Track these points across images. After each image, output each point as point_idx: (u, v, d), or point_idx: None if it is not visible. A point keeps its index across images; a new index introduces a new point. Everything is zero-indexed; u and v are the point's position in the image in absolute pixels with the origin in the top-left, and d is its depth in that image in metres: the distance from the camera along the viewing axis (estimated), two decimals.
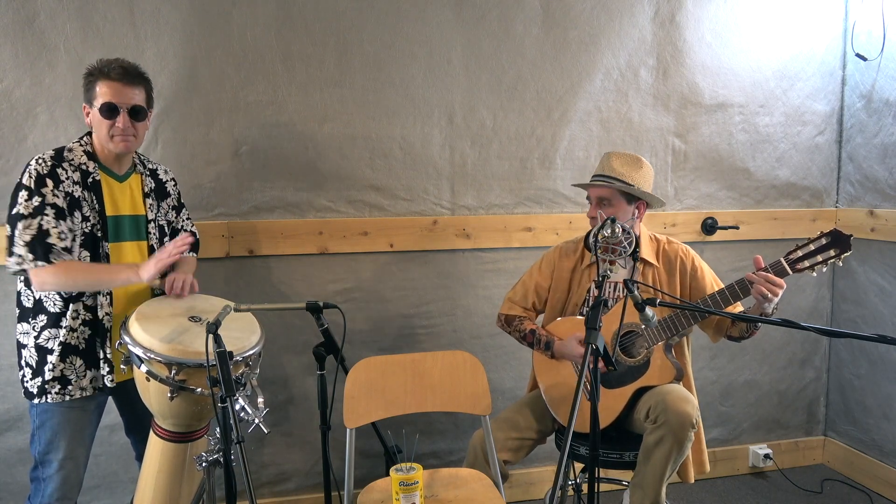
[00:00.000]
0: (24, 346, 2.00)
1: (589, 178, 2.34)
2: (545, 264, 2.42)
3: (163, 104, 2.52)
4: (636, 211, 2.28)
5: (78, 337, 1.99)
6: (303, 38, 2.63)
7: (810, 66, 3.13)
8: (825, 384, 3.39)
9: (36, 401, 1.99)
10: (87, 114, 2.00)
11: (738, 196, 3.14)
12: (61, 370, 1.97)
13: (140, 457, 2.14)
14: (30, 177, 1.90)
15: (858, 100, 3.12)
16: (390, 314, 2.85)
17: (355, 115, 2.71)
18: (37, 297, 1.97)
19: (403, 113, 2.75)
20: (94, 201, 1.99)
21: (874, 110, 3.05)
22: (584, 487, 1.86)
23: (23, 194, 1.90)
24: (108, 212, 2.03)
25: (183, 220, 2.30)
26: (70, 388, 1.99)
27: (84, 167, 1.98)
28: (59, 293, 1.96)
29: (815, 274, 2.05)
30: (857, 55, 3.09)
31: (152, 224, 2.14)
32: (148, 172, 2.17)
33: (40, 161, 1.93)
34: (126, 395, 2.14)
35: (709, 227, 3.08)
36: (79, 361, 1.99)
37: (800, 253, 2.04)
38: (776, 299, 2.02)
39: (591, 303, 2.31)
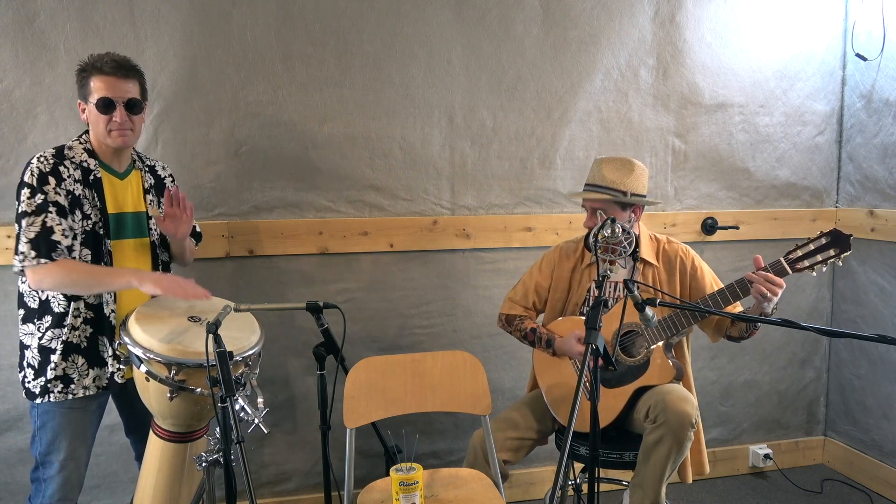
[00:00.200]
0: (28, 347, 1.99)
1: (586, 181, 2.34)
2: (545, 264, 2.42)
3: (163, 104, 2.52)
4: (632, 215, 2.28)
5: (80, 335, 1.99)
6: (303, 38, 2.63)
7: (810, 66, 3.13)
8: (825, 384, 3.39)
9: (38, 401, 1.98)
10: (83, 110, 1.99)
11: (738, 196, 3.14)
12: (63, 369, 1.97)
13: (140, 457, 2.14)
14: (32, 174, 1.90)
15: (858, 100, 3.12)
16: (390, 314, 2.85)
17: (355, 115, 2.71)
18: (43, 298, 1.97)
19: (403, 113, 2.75)
20: (96, 199, 1.99)
21: (874, 110, 3.05)
22: (584, 487, 1.86)
23: (25, 192, 1.90)
24: (110, 209, 2.03)
25: None
26: (73, 386, 1.99)
27: (85, 165, 1.99)
28: (62, 293, 1.96)
29: (814, 274, 2.05)
30: (857, 55, 3.09)
31: (153, 220, 2.15)
32: (147, 169, 2.18)
33: (42, 159, 1.93)
34: (125, 395, 2.14)
35: (709, 227, 3.09)
36: (81, 360, 1.99)
37: (799, 253, 2.04)
38: (776, 299, 2.02)
39: (591, 302, 2.31)
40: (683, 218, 3.07)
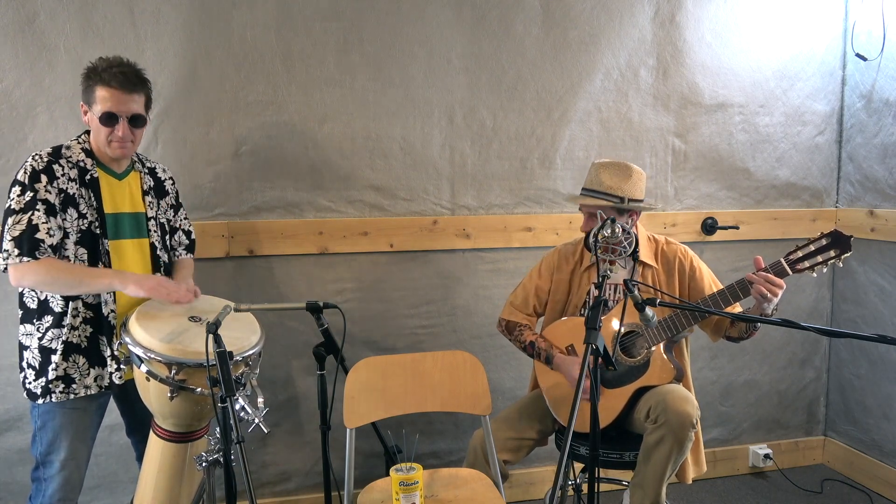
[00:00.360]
0: (27, 348, 1.99)
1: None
2: (544, 267, 2.42)
3: (163, 104, 2.52)
4: (630, 219, 2.27)
5: (80, 335, 1.99)
6: (303, 38, 2.63)
7: (810, 66, 3.13)
8: (825, 384, 3.39)
9: (39, 401, 1.98)
10: (85, 112, 1.99)
11: (738, 196, 3.14)
12: (64, 369, 1.97)
13: (141, 457, 2.14)
14: (25, 173, 1.90)
15: (858, 100, 3.12)
16: (390, 314, 2.85)
17: (355, 115, 2.71)
18: (42, 298, 1.97)
19: (403, 113, 2.75)
20: (92, 198, 1.99)
21: (874, 110, 3.05)
22: (584, 487, 1.86)
23: (15, 190, 1.90)
24: (107, 209, 2.02)
25: (181, 220, 2.29)
26: (74, 386, 1.99)
27: (82, 164, 1.98)
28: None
29: (814, 274, 2.05)
30: (857, 55, 3.09)
31: (153, 221, 2.14)
32: (147, 171, 2.17)
33: (37, 157, 1.92)
34: (126, 395, 2.14)
35: (709, 227, 3.09)
36: (82, 360, 1.99)
37: (800, 253, 2.04)
38: (776, 299, 2.02)
39: (591, 304, 2.31)
40: (683, 218, 3.07)
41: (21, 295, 2.00)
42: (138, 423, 2.21)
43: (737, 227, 3.11)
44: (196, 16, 2.53)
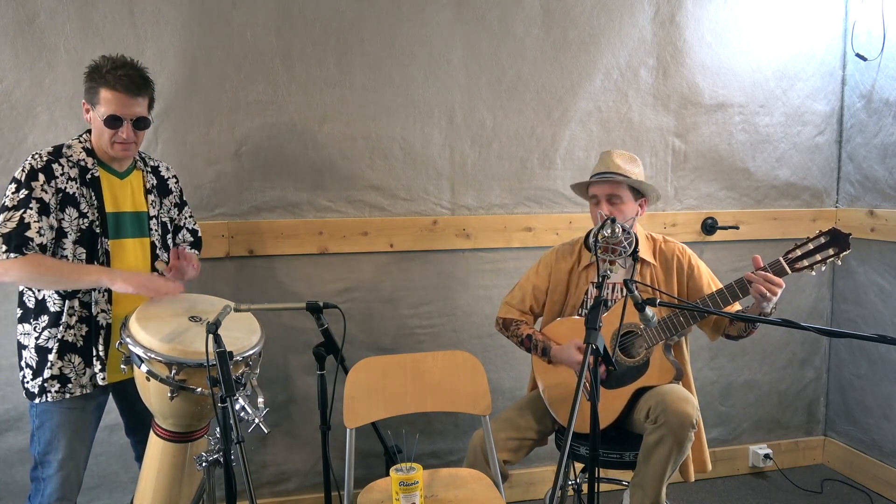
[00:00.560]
0: (25, 347, 1.99)
1: (588, 178, 2.34)
2: (542, 267, 2.42)
3: (163, 104, 2.52)
4: (639, 209, 2.28)
5: (75, 334, 1.99)
6: (303, 38, 2.63)
7: (810, 66, 3.13)
8: (825, 384, 3.39)
9: (36, 401, 1.98)
10: (87, 111, 1.99)
11: (738, 196, 3.14)
12: (59, 368, 1.97)
13: (140, 457, 2.14)
14: (23, 171, 1.90)
15: (858, 100, 3.12)
16: (390, 314, 2.85)
17: (355, 115, 2.71)
18: (39, 298, 1.97)
19: (403, 113, 2.75)
20: (93, 198, 1.99)
21: (874, 110, 3.05)
22: (584, 487, 1.86)
23: (11, 187, 1.90)
24: (108, 208, 2.02)
25: (185, 218, 2.30)
26: (70, 385, 1.99)
27: (83, 163, 1.98)
28: (56, 291, 1.96)
29: (814, 273, 2.05)
30: (857, 55, 3.09)
31: (154, 220, 2.14)
32: (149, 169, 2.17)
33: (36, 156, 1.93)
34: (126, 395, 2.14)
35: (709, 227, 3.09)
36: (77, 359, 1.99)
37: (799, 252, 2.04)
38: (775, 298, 2.03)
39: (589, 304, 2.31)
40: (683, 218, 3.07)
41: (21, 294, 2.01)
42: (138, 422, 2.21)
43: (737, 227, 3.11)
44: (196, 16, 2.53)
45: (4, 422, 2.51)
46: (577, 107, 2.90)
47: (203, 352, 1.67)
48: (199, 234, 2.34)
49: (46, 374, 1.96)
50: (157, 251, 2.15)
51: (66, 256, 1.95)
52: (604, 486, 2.30)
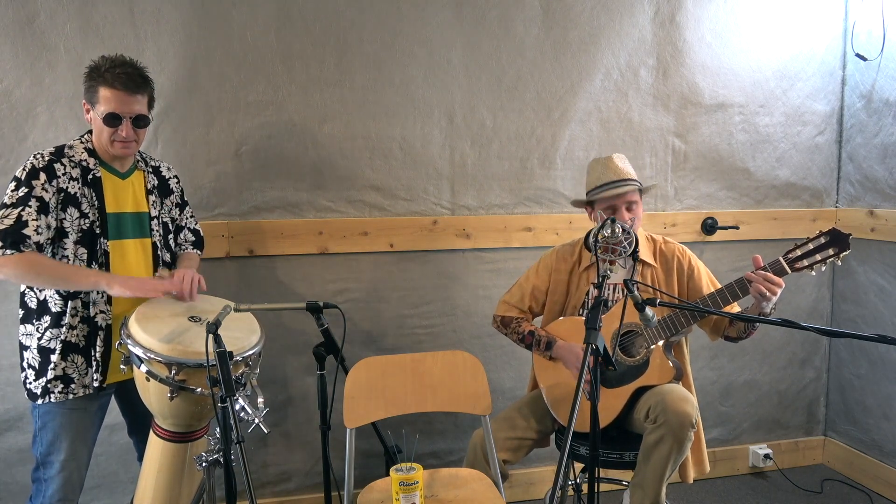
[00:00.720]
0: (27, 348, 1.99)
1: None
2: (542, 268, 2.42)
3: (163, 104, 2.52)
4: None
5: (78, 335, 1.99)
6: (303, 38, 2.63)
7: (810, 66, 3.13)
8: (825, 384, 3.39)
9: (39, 402, 1.98)
10: (87, 111, 1.99)
11: (738, 196, 3.14)
12: (63, 369, 1.97)
13: (142, 457, 2.14)
14: (24, 170, 1.91)
15: (858, 100, 3.12)
16: (390, 314, 2.85)
17: (355, 115, 2.71)
18: (41, 298, 1.97)
19: (403, 113, 2.75)
20: (94, 198, 1.99)
21: (874, 110, 3.05)
22: (584, 487, 1.86)
23: (11, 185, 1.90)
24: (109, 209, 2.02)
25: (187, 218, 2.30)
26: (73, 386, 1.99)
27: (85, 164, 1.98)
28: (57, 292, 1.96)
29: (813, 273, 2.05)
30: (857, 55, 3.09)
31: (155, 221, 2.14)
32: (151, 170, 2.17)
33: (38, 156, 1.93)
34: (127, 395, 2.14)
35: (709, 227, 3.09)
36: (80, 359, 1.99)
37: (798, 252, 2.04)
38: (775, 298, 2.03)
39: (589, 305, 2.31)
40: (683, 218, 3.07)
41: (22, 295, 2.00)
42: (139, 422, 2.21)
43: (737, 227, 3.11)
44: (196, 16, 2.53)
45: (4, 422, 2.51)
46: (577, 107, 2.90)
47: (203, 352, 1.67)
48: (201, 234, 2.34)
49: (50, 374, 1.96)
50: (159, 252, 2.15)
51: (67, 257, 1.95)
52: (604, 486, 2.31)
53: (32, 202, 1.88)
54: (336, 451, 2.73)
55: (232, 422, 1.61)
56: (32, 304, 1.98)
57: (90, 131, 2.04)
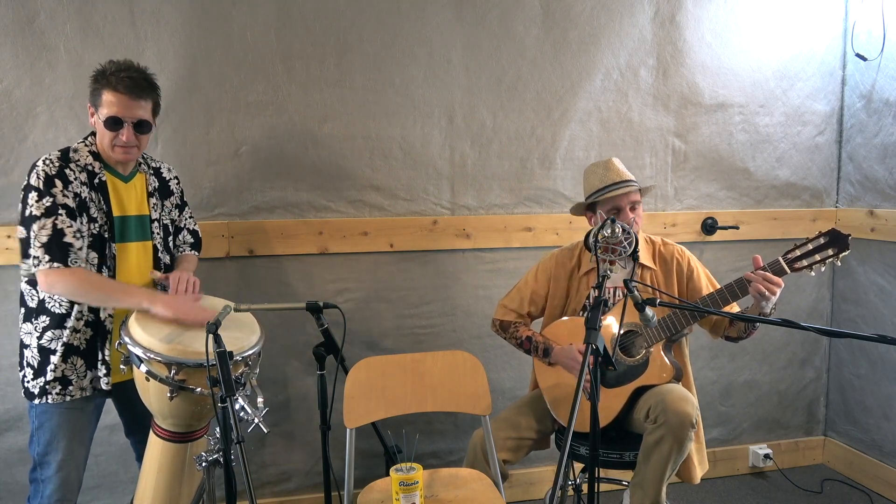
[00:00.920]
0: (27, 347, 1.99)
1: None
2: (541, 272, 2.42)
3: (163, 104, 2.50)
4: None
5: (80, 338, 1.99)
6: (303, 38, 2.63)
7: (810, 66, 3.13)
8: (825, 384, 3.39)
9: (36, 401, 1.98)
10: (92, 114, 1.99)
11: (738, 196, 3.14)
12: (62, 371, 1.97)
13: (140, 458, 2.14)
14: (38, 178, 1.89)
15: (858, 100, 3.12)
16: (390, 314, 2.85)
17: (355, 115, 2.71)
18: (40, 298, 1.97)
19: (403, 113, 2.75)
20: (102, 202, 1.99)
21: (874, 110, 3.05)
22: (584, 487, 1.86)
23: (33, 195, 1.88)
24: (115, 212, 2.03)
25: (186, 219, 2.30)
26: (71, 388, 1.99)
27: (90, 168, 1.98)
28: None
29: (813, 273, 2.05)
30: (857, 55, 3.09)
31: (156, 223, 2.14)
32: (152, 171, 2.17)
33: (47, 161, 1.92)
34: (125, 395, 2.14)
35: (709, 227, 3.08)
36: (80, 362, 1.99)
37: (798, 252, 2.04)
38: (774, 298, 2.03)
39: (591, 304, 2.31)
40: (683, 218, 3.07)
41: (22, 294, 2.01)
42: (137, 423, 2.21)
43: (737, 227, 3.11)
44: (196, 16, 2.53)
45: (4, 422, 2.51)
46: (577, 107, 2.90)
47: (203, 352, 1.67)
48: (200, 235, 2.34)
49: (49, 375, 1.96)
50: (160, 254, 2.15)
51: (90, 265, 1.95)
52: (604, 486, 2.30)
53: (61, 210, 1.88)
54: (336, 451, 2.73)
55: (232, 422, 1.61)
56: (32, 304, 1.98)
57: (93, 133, 2.04)
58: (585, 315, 2.19)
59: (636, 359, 2.22)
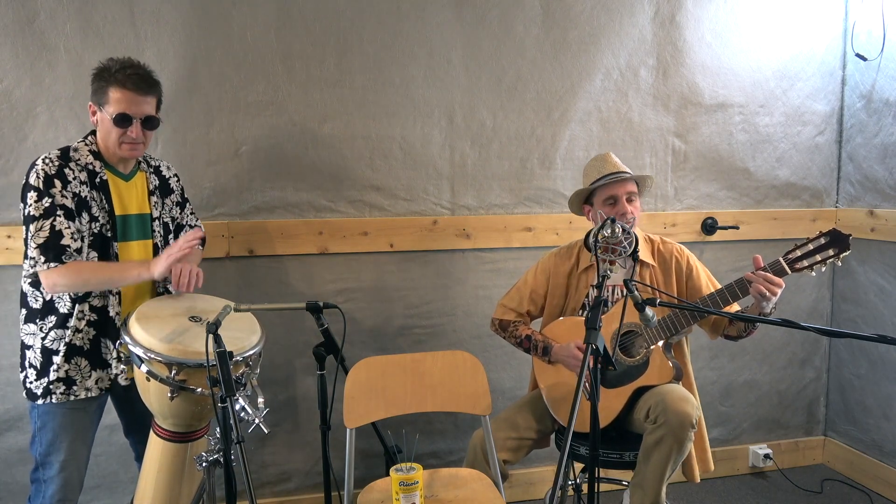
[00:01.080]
0: (29, 348, 1.99)
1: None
2: (540, 271, 2.42)
3: (163, 104, 2.51)
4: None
5: (83, 338, 1.99)
6: (303, 38, 2.63)
7: (810, 66, 3.13)
8: (825, 384, 3.39)
9: (39, 402, 1.98)
10: (94, 112, 1.98)
11: (738, 196, 3.14)
12: (66, 371, 1.97)
13: (140, 457, 2.14)
14: (38, 177, 1.89)
15: (858, 100, 3.12)
16: (390, 314, 2.85)
17: (355, 115, 2.71)
18: (47, 299, 1.97)
19: (403, 113, 2.75)
20: (103, 201, 1.99)
21: (874, 110, 3.05)
22: (584, 487, 1.86)
23: (32, 195, 1.89)
24: (116, 211, 2.03)
25: (187, 216, 2.30)
26: (75, 388, 1.99)
27: (91, 167, 1.98)
28: (69, 294, 1.96)
29: (813, 274, 2.05)
30: (857, 55, 3.09)
31: (157, 222, 2.15)
32: (152, 170, 2.17)
33: (47, 161, 1.92)
34: (126, 396, 2.14)
35: (709, 227, 3.09)
36: (84, 362, 1.99)
37: (798, 253, 2.04)
38: (775, 298, 2.03)
39: (589, 306, 2.31)
40: (683, 218, 3.07)
41: (24, 295, 2.00)
42: (137, 422, 2.21)
43: (737, 227, 3.11)
44: (196, 16, 2.53)
45: (4, 422, 2.51)
46: (577, 107, 2.90)
47: (203, 352, 1.67)
48: (203, 233, 2.34)
49: (52, 376, 1.96)
50: (160, 253, 2.15)
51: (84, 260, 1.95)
52: (604, 486, 2.31)
53: (59, 211, 1.88)
54: (336, 451, 2.73)
55: (232, 422, 1.61)
56: (36, 305, 1.98)
57: (93, 132, 2.03)
58: (585, 314, 2.19)
59: (636, 359, 2.22)
